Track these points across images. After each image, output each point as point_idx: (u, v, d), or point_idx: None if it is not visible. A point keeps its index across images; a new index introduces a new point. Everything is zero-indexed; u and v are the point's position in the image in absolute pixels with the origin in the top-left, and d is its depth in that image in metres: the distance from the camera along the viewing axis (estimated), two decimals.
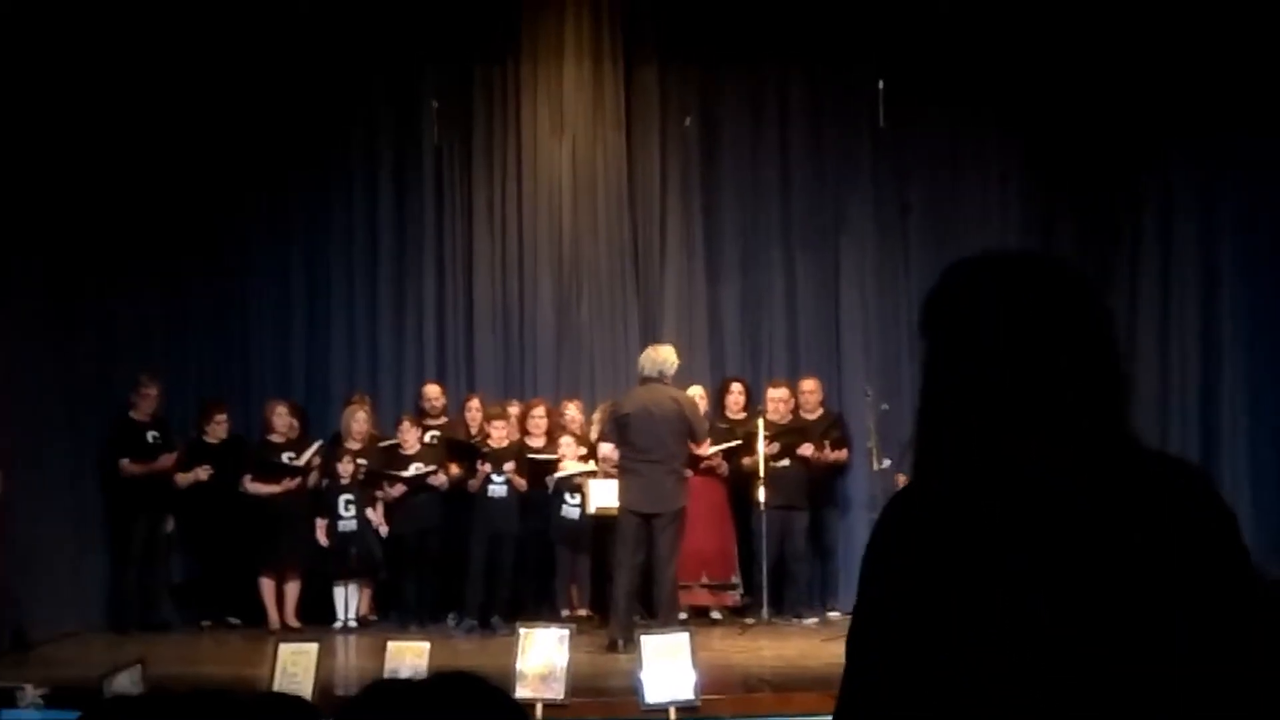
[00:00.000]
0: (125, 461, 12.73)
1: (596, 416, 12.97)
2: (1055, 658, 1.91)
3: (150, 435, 12.87)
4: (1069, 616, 1.92)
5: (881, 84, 13.75)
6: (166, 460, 12.85)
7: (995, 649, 1.92)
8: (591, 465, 12.55)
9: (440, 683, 1.96)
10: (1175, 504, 2.00)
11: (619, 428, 11.26)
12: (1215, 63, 12.69)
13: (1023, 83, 13.62)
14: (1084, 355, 2.09)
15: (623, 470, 11.32)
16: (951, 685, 1.94)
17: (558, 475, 12.56)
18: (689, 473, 11.66)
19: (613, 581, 11.31)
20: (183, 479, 12.84)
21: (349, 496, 12.81)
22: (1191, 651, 1.91)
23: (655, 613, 11.13)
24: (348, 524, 12.81)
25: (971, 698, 1.93)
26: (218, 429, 13.07)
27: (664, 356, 11.38)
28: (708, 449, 12.05)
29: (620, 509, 11.27)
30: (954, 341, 2.15)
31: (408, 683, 1.99)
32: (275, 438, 13.07)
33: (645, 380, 11.29)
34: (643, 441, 11.04)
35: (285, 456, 12.97)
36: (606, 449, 11.78)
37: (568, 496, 12.56)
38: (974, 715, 1.93)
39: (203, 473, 12.86)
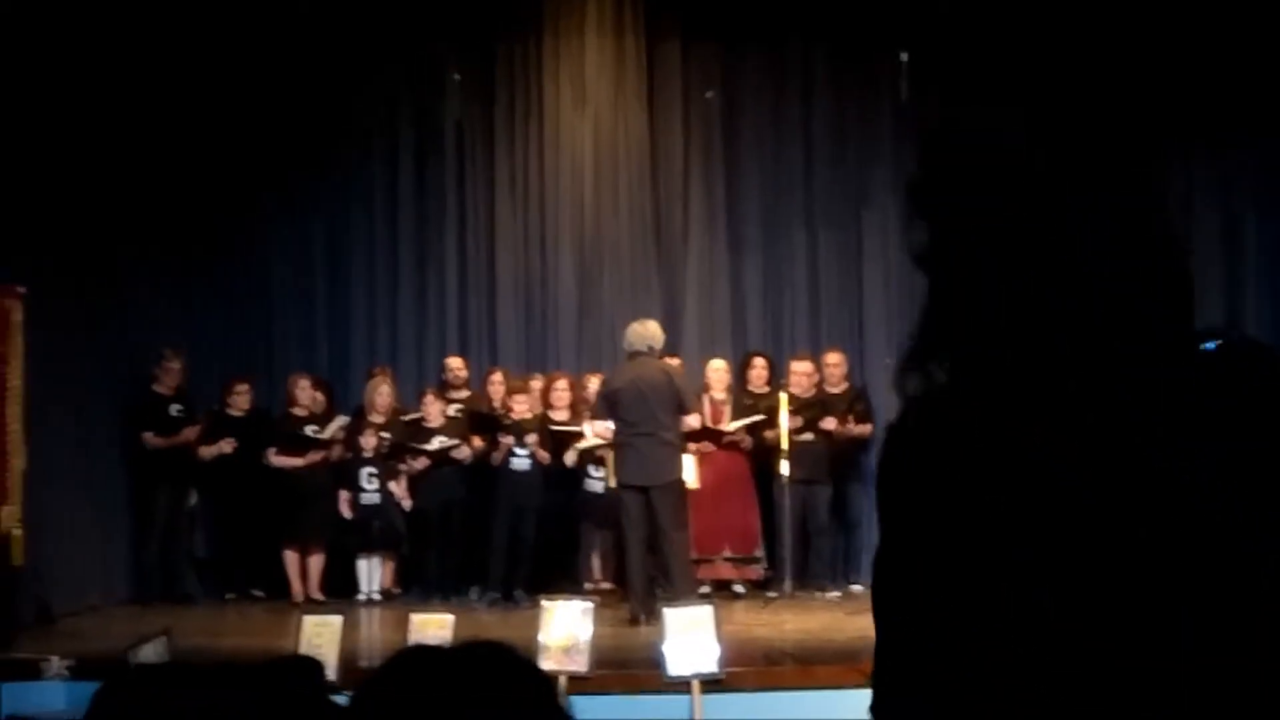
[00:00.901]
0: (148, 434, 12.76)
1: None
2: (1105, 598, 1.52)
3: (174, 408, 12.90)
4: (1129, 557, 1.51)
5: (905, 57, 13.70)
6: (190, 433, 12.88)
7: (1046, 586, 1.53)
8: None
9: (471, 651, 1.96)
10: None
11: (609, 404, 11.28)
12: (1240, 61, 12.58)
13: (1046, 54, 13.54)
14: (1152, 243, 1.69)
15: (616, 445, 11.34)
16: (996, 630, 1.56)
17: (580, 446, 12.56)
18: (708, 445, 11.65)
19: (626, 557, 11.33)
20: (206, 452, 12.88)
21: (372, 470, 12.82)
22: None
23: (671, 581, 11.13)
24: (370, 497, 12.82)
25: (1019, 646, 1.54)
26: (240, 401, 13.09)
27: (651, 331, 11.43)
28: (695, 420, 11.97)
29: (619, 485, 11.30)
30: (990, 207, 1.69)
31: (439, 650, 1.99)
32: (298, 411, 13.08)
33: (634, 355, 11.32)
34: (633, 415, 11.07)
35: (309, 430, 12.99)
36: (600, 426, 11.76)
37: (591, 469, 12.56)
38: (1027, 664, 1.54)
39: (226, 445, 12.89)
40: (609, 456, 12.33)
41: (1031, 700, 1.54)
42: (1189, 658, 1.51)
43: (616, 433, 11.28)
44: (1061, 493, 1.54)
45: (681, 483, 11.27)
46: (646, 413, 11.04)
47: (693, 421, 11.85)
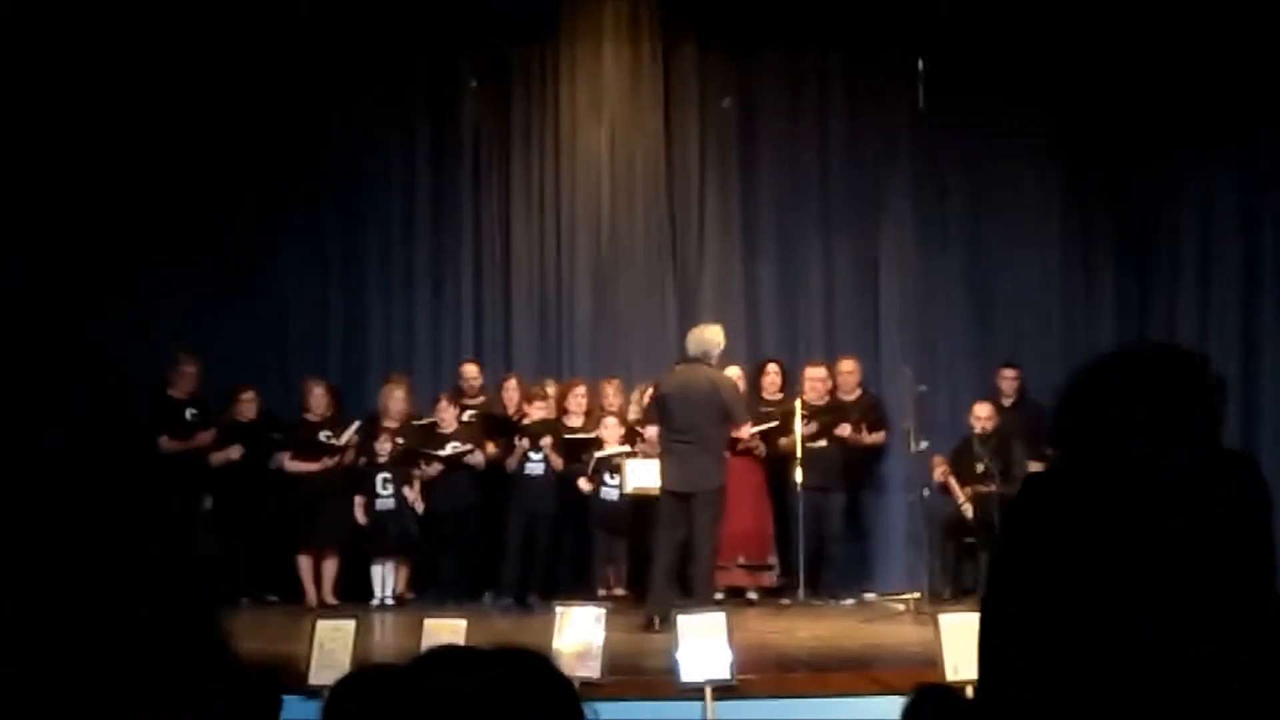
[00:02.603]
0: (164, 438, 12.79)
1: (635, 397, 12.99)
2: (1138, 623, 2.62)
3: (188, 412, 12.93)
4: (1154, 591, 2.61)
5: (921, 64, 13.72)
6: (204, 437, 12.91)
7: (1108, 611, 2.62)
8: (628, 447, 12.58)
9: (500, 655, 1.98)
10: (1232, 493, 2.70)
11: (659, 408, 11.29)
12: (1262, 57, 12.55)
13: (1065, 66, 13.54)
14: (1197, 421, 2.74)
15: (663, 451, 11.33)
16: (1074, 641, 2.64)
17: (597, 455, 12.58)
18: (727, 454, 11.68)
19: (653, 560, 11.32)
20: (216, 458, 12.90)
21: (387, 475, 12.85)
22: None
23: (691, 591, 11.14)
24: (385, 502, 12.85)
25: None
26: (245, 408, 13.10)
27: (709, 337, 11.38)
28: (747, 430, 12.02)
29: (661, 489, 11.30)
30: (1103, 415, 2.75)
31: (470, 650, 2.01)
32: (311, 416, 13.11)
33: (689, 360, 11.32)
34: (679, 421, 11.06)
35: (323, 435, 13.02)
36: (650, 432, 11.76)
37: (606, 477, 12.58)
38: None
39: (234, 452, 12.90)
40: (624, 464, 12.35)
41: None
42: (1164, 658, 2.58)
43: (663, 437, 11.28)
44: (1110, 554, 2.64)
45: (723, 491, 11.25)
46: (692, 420, 11.04)
47: (744, 432, 11.87)
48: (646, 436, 11.94)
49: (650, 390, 12.04)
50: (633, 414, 12.88)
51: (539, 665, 2.00)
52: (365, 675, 2.73)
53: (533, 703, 1.96)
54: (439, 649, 2.03)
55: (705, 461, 11.07)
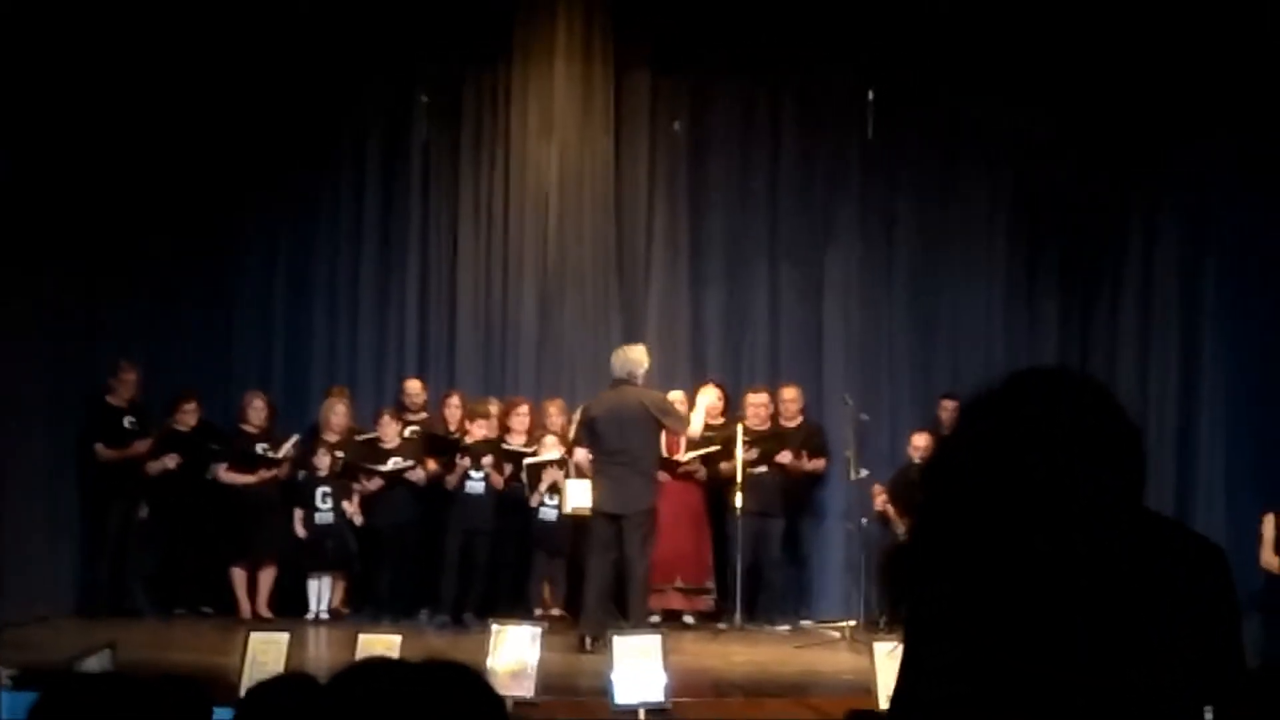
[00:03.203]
0: (100, 446, 12.72)
1: (576, 418, 13.00)
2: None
3: (127, 420, 12.85)
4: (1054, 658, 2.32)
5: (871, 95, 13.79)
6: (140, 446, 12.83)
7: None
8: (559, 454, 12.57)
9: (429, 669, 1.98)
10: (1180, 573, 2.38)
11: (589, 431, 11.33)
12: (1201, 98, 12.67)
13: (1012, 98, 13.64)
14: (1111, 456, 2.44)
15: (594, 472, 11.38)
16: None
17: (529, 460, 12.56)
18: (663, 475, 11.70)
19: (585, 581, 11.33)
20: (152, 467, 12.82)
21: (326, 489, 12.80)
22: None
23: (627, 613, 11.14)
24: (324, 516, 12.80)
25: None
26: (187, 418, 13.04)
27: (634, 357, 11.44)
28: (696, 430, 12.02)
29: (591, 510, 11.33)
30: (1000, 431, 2.46)
31: (400, 663, 2.00)
32: (249, 428, 13.06)
33: (615, 383, 11.36)
34: (610, 443, 11.12)
35: (260, 448, 12.97)
36: (580, 455, 11.82)
37: (546, 498, 12.56)
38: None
39: (170, 461, 12.84)
40: (563, 484, 12.35)
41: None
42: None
43: (594, 460, 11.32)
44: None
45: (654, 512, 11.28)
46: (623, 442, 11.08)
47: (694, 431, 11.90)
48: (576, 460, 11.98)
49: (579, 414, 12.06)
50: (572, 435, 12.89)
51: (468, 678, 1.99)
52: (285, 681, 2.71)
53: (461, 715, 1.96)
54: (368, 660, 2.02)
55: (637, 483, 11.12)
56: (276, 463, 12.95)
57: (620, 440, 11.09)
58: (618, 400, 11.25)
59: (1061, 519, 2.33)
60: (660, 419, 11.33)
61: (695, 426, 11.94)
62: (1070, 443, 2.39)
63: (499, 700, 2.10)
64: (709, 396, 12.75)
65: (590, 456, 11.48)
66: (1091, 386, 2.52)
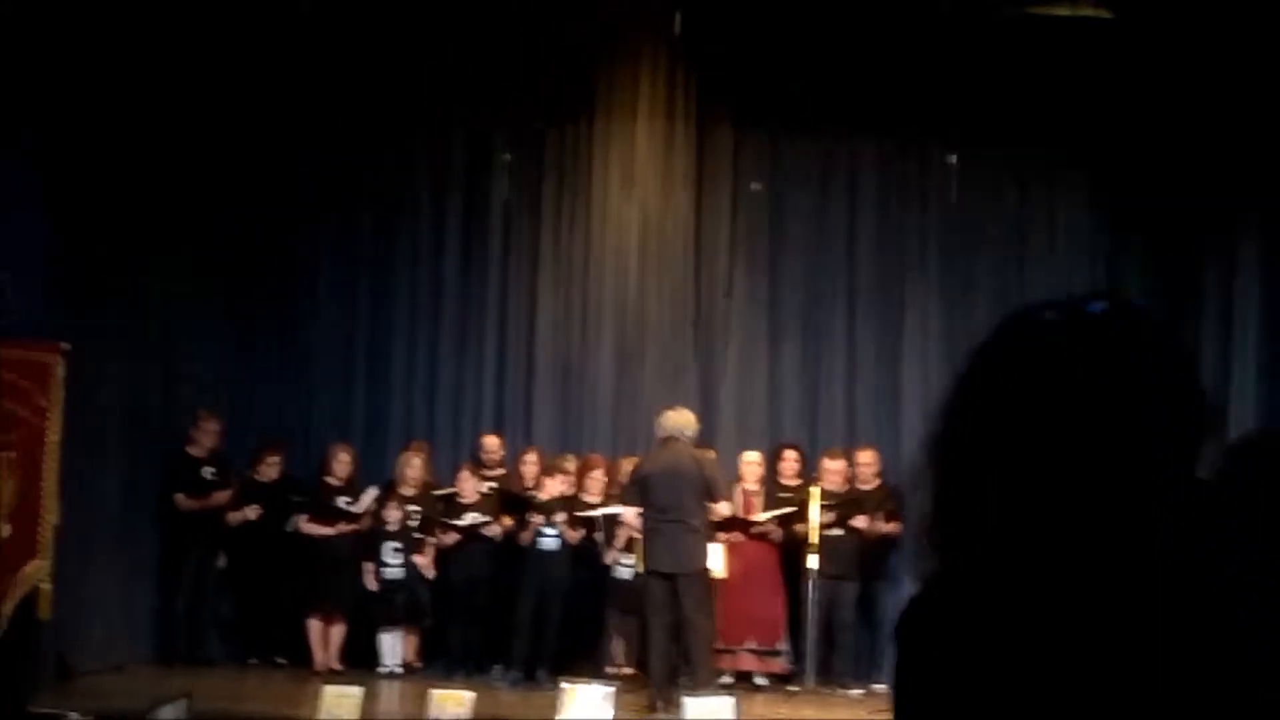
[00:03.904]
0: (180, 496, 12.82)
1: (627, 475, 13.00)
2: None
3: (207, 471, 12.96)
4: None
5: (954, 159, 13.77)
6: (220, 497, 12.93)
7: None
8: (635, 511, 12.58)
9: None
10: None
11: (641, 489, 11.31)
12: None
13: (1096, 159, 13.59)
14: (1169, 420, 1.70)
15: (645, 531, 11.34)
16: None
17: (605, 511, 12.54)
18: (737, 535, 11.64)
19: (648, 643, 11.30)
20: (234, 517, 12.92)
21: (396, 544, 12.83)
22: None
23: (692, 673, 11.09)
24: (394, 571, 12.82)
25: None
26: (269, 469, 13.14)
27: (686, 419, 11.52)
28: (726, 509, 11.96)
29: (645, 570, 11.30)
30: (1019, 398, 1.75)
31: None
32: (332, 480, 13.12)
33: (666, 440, 11.36)
34: (662, 500, 11.11)
35: (342, 500, 13.03)
36: (630, 514, 11.78)
37: (621, 556, 12.53)
38: None
39: (251, 512, 12.93)
40: (638, 543, 12.33)
41: None
42: None
43: (645, 518, 11.29)
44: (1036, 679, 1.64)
45: (707, 571, 11.27)
46: (676, 499, 11.07)
47: (724, 509, 11.86)
48: (625, 519, 11.94)
49: (631, 471, 12.02)
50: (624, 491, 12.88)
51: None
52: None
53: None
54: None
55: (690, 541, 11.12)
56: (356, 516, 13.00)
57: (673, 497, 11.08)
58: (672, 458, 11.24)
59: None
60: (710, 482, 11.32)
61: (723, 508, 11.85)
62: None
63: None
64: (753, 466, 12.77)
65: (638, 516, 11.44)
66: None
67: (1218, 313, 13.59)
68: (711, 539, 11.59)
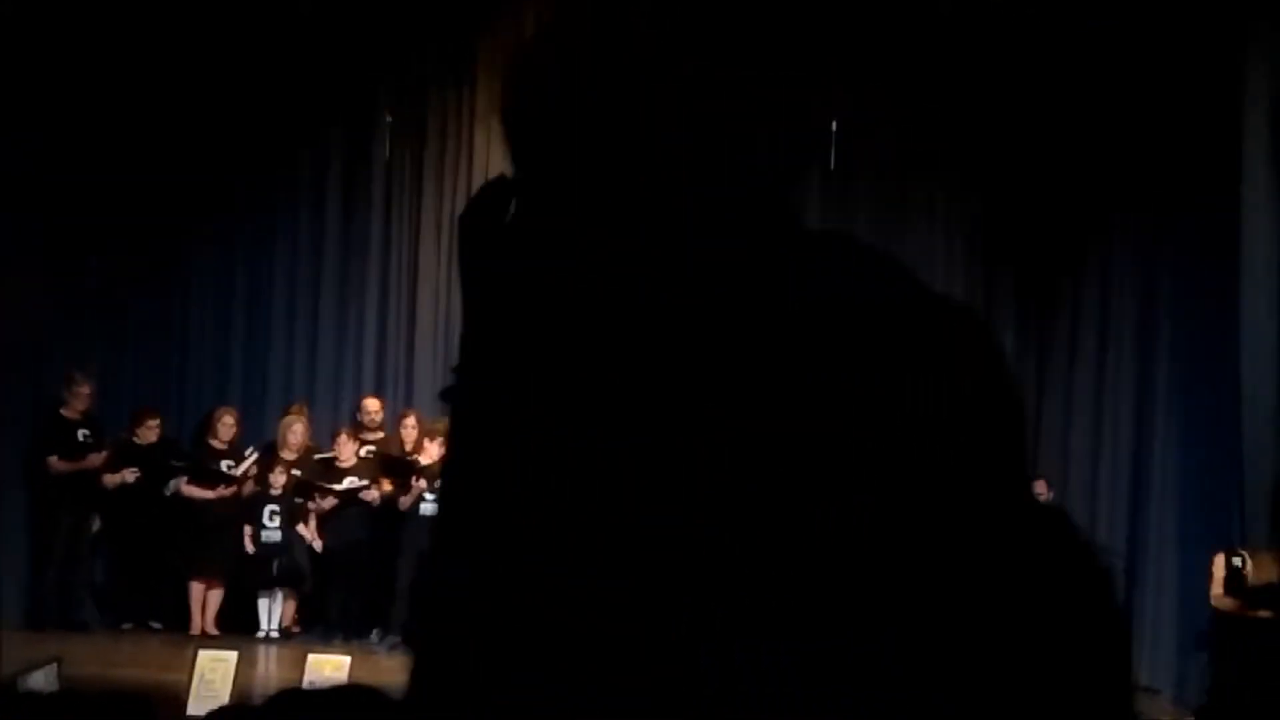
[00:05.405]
0: (53, 458, 12.61)
1: None
2: None
3: (80, 433, 12.76)
4: None
5: (835, 125, 13.83)
6: (95, 459, 12.74)
7: None
8: None
9: (340, 693, 1.97)
10: None
11: None
12: (1162, 141, 12.73)
13: (974, 134, 13.70)
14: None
15: None
16: None
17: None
18: None
19: None
20: (110, 480, 12.73)
21: (274, 507, 12.73)
22: None
23: None
24: (271, 534, 12.73)
25: None
26: (148, 433, 12.97)
27: None
28: None
29: None
30: None
31: (310, 693, 1.99)
32: (216, 443, 13.00)
33: None
34: None
35: (224, 464, 12.91)
36: None
37: None
38: None
39: (130, 475, 12.75)
40: None
41: None
42: None
43: None
44: None
45: None
46: None
47: None
48: None
49: None
50: None
51: (379, 701, 1.98)
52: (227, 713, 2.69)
53: None
54: (281, 691, 2.02)
55: None
56: (237, 479, 12.89)
57: None
58: None
59: None
60: None
61: None
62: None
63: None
64: None
65: None
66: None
67: (1094, 301, 13.77)
68: None
